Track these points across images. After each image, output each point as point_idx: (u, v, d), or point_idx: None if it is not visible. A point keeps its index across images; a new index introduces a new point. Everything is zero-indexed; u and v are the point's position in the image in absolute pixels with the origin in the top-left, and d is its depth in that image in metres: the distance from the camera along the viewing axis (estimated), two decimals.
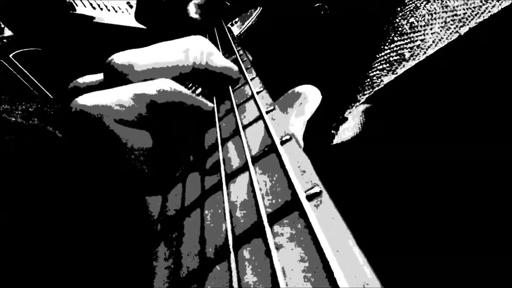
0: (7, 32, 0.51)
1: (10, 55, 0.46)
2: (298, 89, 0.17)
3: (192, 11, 0.51)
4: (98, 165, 0.17)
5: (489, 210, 0.17)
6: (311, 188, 0.11)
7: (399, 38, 0.30)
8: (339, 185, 0.14)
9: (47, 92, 0.44)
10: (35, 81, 0.44)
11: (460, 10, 0.29)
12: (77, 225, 0.19)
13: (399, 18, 0.31)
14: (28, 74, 0.44)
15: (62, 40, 0.58)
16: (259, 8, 0.49)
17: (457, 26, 0.29)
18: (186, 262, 0.12)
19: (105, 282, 0.17)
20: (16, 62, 0.45)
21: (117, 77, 0.18)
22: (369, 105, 0.28)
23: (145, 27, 0.62)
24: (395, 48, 0.30)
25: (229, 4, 0.54)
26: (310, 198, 0.10)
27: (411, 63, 0.28)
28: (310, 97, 0.16)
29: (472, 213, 0.17)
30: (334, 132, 0.27)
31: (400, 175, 0.22)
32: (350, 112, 0.27)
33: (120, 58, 0.19)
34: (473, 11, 0.29)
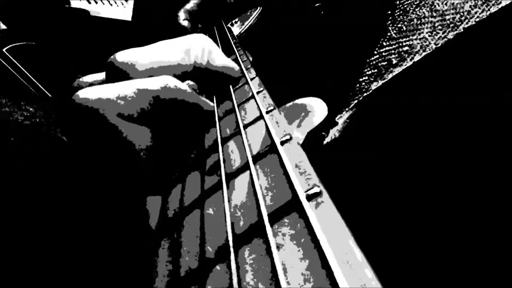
0: (1, 26, 0.49)
1: (4, 49, 0.44)
2: (306, 101, 0.17)
3: (182, 17, 0.51)
4: (99, 161, 0.17)
5: (489, 209, 0.17)
6: (311, 188, 0.10)
7: (387, 43, 0.30)
8: (339, 185, 0.14)
9: (44, 90, 0.42)
10: (31, 77, 0.43)
11: (449, 15, 0.29)
12: (77, 225, 0.18)
13: (389, 22, 0.31)
14: (23, 70, 0.43)
15: (57, 34, 0.56)
16: (259, 8, 0.48)
17: (445, 31, 0.29)
18: (186, 262, 0.12)
19: (105, 282, 0.17)
20: (11, 57, 0.44)
21: (119, 76, 0.18)
22: (358, 109, 0.28)
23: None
24: (383, 54, 0.30)
25: (231, 1, 0.53)
26: (310, 198, 0.10)
27: (398, 69, 0.28)
28: (317, 111, 0.16)
29: (471, 213, 0.17)
30: (324, 134, 0.27)
31: (399, 175, 0.22)
32: (340, 117, 0.27)
33: (122, 56, 0.18)
34: (461, 16, 0.29)
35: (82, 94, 0.16)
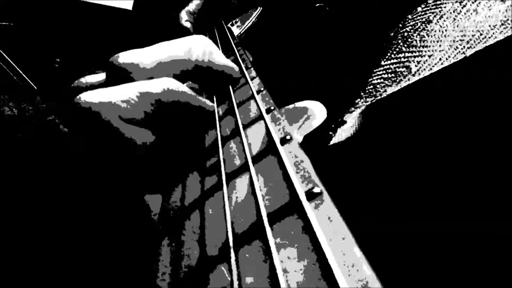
0: None
1: None
2: (305, 104, 0.18)
3: (184, 18, 0.53)
4: (101, 162, 0.18)
5: (490, 210, 0.18)
6: (311, 189, 0.11)
7: (407, 49, 0.31)
8: (339, 185, 0.15)
9: (28, 80, 0.43)
10: (14, 65, 0.43)
11: (469, 31, 0.31)
12: (78, 225, 0.19)
13: (410, 27, 0.32)
14: (4, 55, 0.43)
15: (40, 16, 0.57)
16: (259, 8, 0.51)
17: (464, 47, 0.30)
18: (187, 262, 0.12)
19: (106, 282, 0.17)
20: None
21: (121, 76, 0.19)
22: (367, 109, 0.29)
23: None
24: (402, 59, 0.31)
25: (236, 2, 0.56)
26: (310, 198, 0.11)
27: (416, 78, 0.30)
28: (317, 114, 0.17)
29: (474, 214, 0.18)
30: (332, 133, 0.28)
31: (399, 175, 0.23)
32: (348, 116, 0.28)
33: (124, 57, 0.20)
34: (481, 34, 0.31)
35: (85, 97, 0.18)
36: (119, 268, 0.17)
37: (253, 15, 0.51)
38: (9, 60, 0.44)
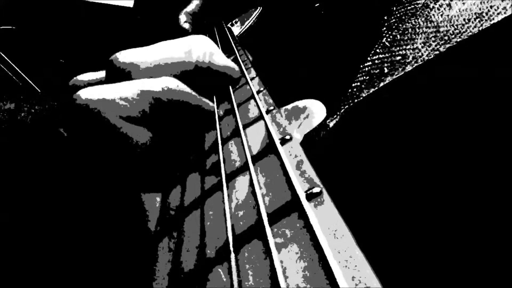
0: None
1: None
2: (305, 103, 0.17)
3: (182, 20, 0.51)
4: (98, 161, 0.17)
5: (489, 209, 0.18)
6: (311, 188, 0.11)
7: (381, 50, 0.30)
8: (339, 185, 0.15)
9: (32, 83, 0.41)
10: (16, 68, 0.41)
11: (443, 27, 0.30)
12: (76, 225, 0.18)
13: (385, 28, 0.31)
14: (7, 59, 0.41)
15: (41, 18, 0.55)
16: (259, 8, 0.49)
17: (438, 43, 0.29)
18: (186, 263, 0.12)
19: (105, 282, 0.17)
20: None
21: (121, 75, 0.18)
22: (344, 113, 0.28)
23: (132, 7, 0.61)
24: (376, 61, 0.30)
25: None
26: (310, 198, 0.11)
27: (390, 79, 0.29)
28: (316, 113, 0.17)
29: (472, 213, 0.18)
30: (315, 135, 0.27)
31: (398, 175, 0.22)
32: (331, 120, 0.28)
33: (124, 56, 0.19)
34: (455, 29, 0.30)
35: (84, 94, 0.16)
36: (117, 269, 0.17)
37: (253, 15, 0.49)
38: (10, 61, 0.41)
